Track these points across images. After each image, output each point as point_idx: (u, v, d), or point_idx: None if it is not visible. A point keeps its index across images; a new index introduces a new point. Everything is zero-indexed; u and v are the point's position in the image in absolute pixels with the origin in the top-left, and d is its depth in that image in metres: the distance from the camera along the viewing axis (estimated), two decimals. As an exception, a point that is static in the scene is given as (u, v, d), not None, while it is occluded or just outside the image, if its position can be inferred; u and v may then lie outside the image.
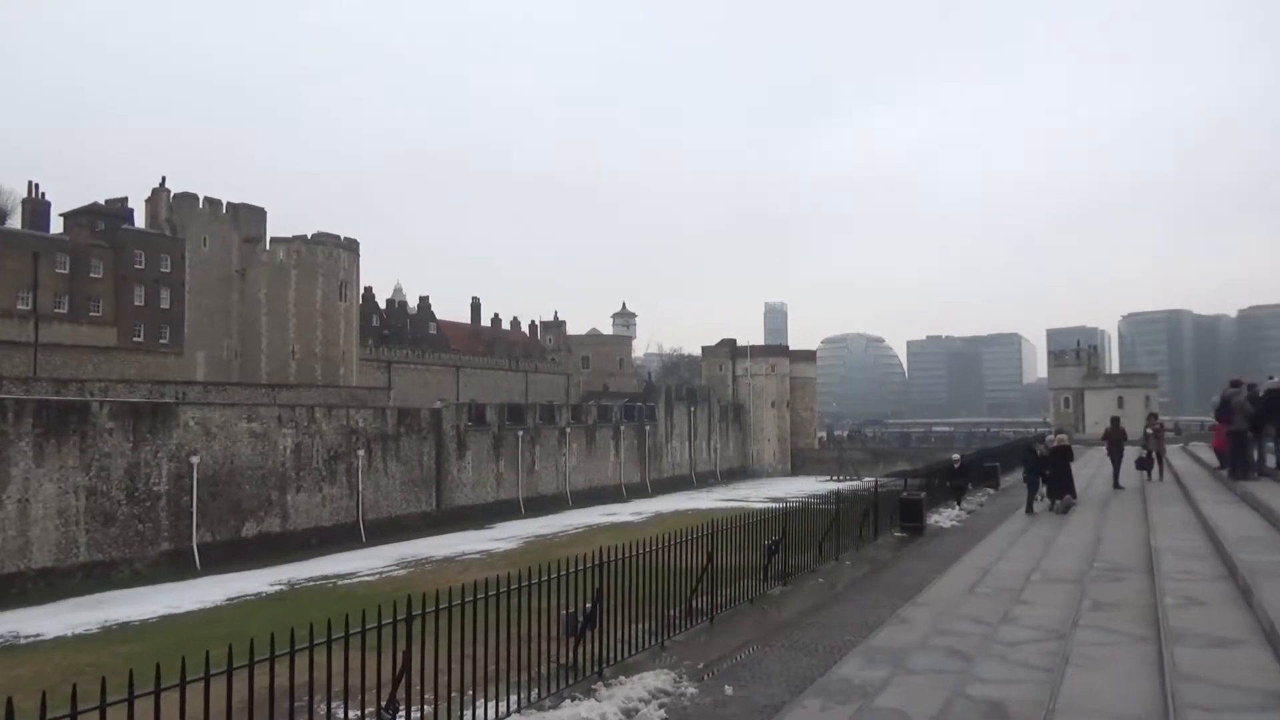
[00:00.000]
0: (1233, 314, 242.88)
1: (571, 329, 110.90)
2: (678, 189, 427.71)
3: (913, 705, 6.80)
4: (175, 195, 66.66)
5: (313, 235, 68.45)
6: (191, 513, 41.19)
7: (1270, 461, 17.56)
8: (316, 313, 67.43)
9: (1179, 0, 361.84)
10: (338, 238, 69.51)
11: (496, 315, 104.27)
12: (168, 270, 64.88)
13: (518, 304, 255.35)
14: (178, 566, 39.48)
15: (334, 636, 5.73)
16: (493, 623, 7.03)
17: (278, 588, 35.79)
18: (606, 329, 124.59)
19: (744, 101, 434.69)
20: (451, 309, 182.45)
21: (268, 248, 67.74)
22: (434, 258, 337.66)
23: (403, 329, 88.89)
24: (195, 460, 41.58)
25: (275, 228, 70.94)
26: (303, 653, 5.68)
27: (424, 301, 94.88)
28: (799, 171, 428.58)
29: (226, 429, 43.86)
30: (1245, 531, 12.37)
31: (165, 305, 64.51)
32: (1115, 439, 22.38)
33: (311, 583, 37.04)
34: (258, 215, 70.10)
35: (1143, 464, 22.85)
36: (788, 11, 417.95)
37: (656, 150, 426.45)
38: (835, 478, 78.59)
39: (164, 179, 66.81)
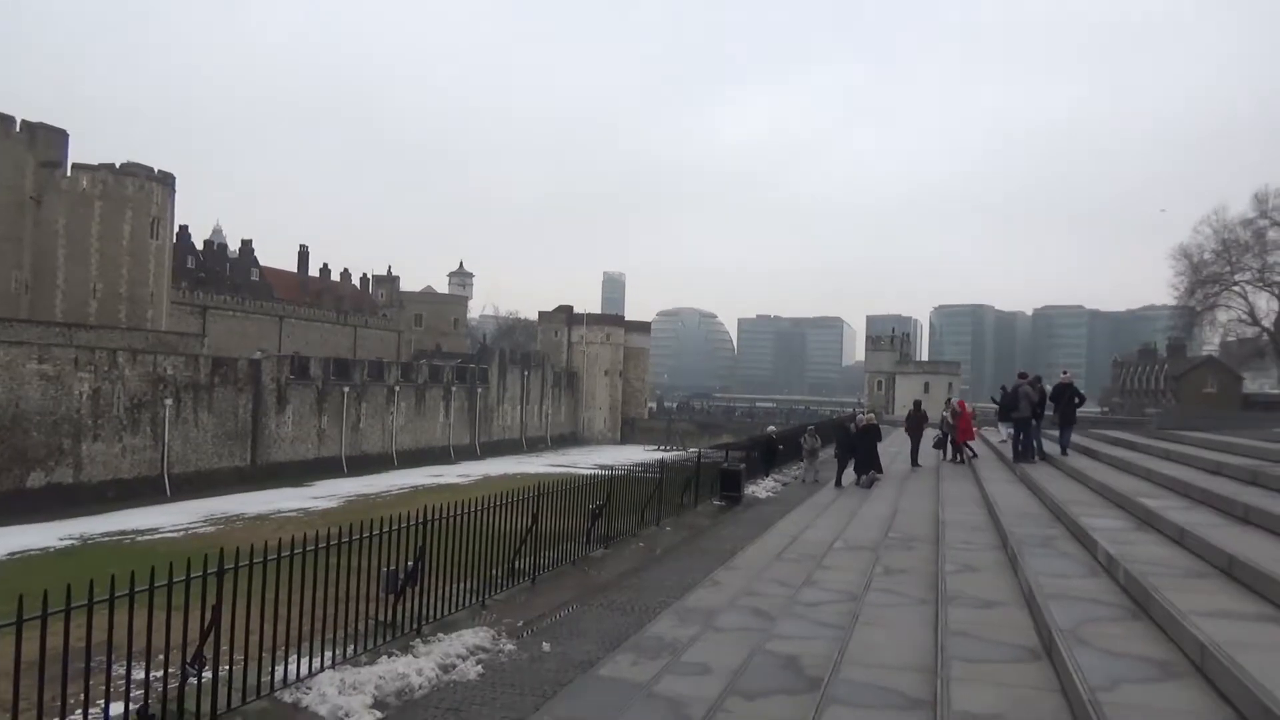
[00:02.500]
0: (1029, 311, 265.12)
1: (406, 285, 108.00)
2: (528, 151, 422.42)
3: (716, 659, 7.26)
4: (-43, 106, 59.65)
5: (122, 165, 63.10)
6: (-33, 460, 37.55)
7: (1050, 448, 19.45)
8: (123, 250, 62.34)
9: (1041, 15, 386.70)
10: (151, 169, 64.37)
11: (326, 265, 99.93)
12: (-54, 190, 58.25)
13: (349, 256, 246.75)
14: (-52, 518, 35.97)
15: (137, 590, 5.51)
16: (310, 580, 6.94)
17: (68, 543, 33.35)
18: (442, 287, 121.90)
19: (608, 72, 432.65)
20: (277, 256, 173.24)
21: (69, 174, 61.93)
22: (260, 201, 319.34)
23: (221, 274, 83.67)
24: (-26, 402, 37.85)
25: (82, 155, 65.01)
26: (100, 607, 5.43)
27: (246, 245, 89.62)
28: (656, 147, 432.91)
29: (12, 369, 40.14)
30: (1019, 508, 13.77)
31: (-58, 229, 57.95)
32: (915, 421, 24.12)
33: (107, 538, 34.72)
34: (58, 137, 63.85)
35: (939, 445, 24.78)
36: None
37: (509, 110, 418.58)
38: (663, 447, 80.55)
39: (-55, 87, 59.74)
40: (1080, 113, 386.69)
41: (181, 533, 35.74)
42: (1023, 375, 19.76)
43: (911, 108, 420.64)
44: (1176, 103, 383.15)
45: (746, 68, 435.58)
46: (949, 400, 29.70)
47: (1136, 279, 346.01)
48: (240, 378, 53.38)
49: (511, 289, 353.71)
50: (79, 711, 5.37)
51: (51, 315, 58.10)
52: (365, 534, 7.61)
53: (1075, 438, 20.28)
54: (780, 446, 24.17)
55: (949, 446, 24.25)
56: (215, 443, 51.21)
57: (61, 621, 5.12)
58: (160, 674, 6.21)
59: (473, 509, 9.39)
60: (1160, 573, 7.82)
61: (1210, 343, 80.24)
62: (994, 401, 29.42)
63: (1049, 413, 19.84)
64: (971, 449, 23.80)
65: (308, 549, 6.95)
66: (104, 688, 5.44)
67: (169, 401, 47.68)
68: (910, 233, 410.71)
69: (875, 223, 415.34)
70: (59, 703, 5.60)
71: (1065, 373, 19.79)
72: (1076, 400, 19.24)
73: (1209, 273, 58.44)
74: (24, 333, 46.81)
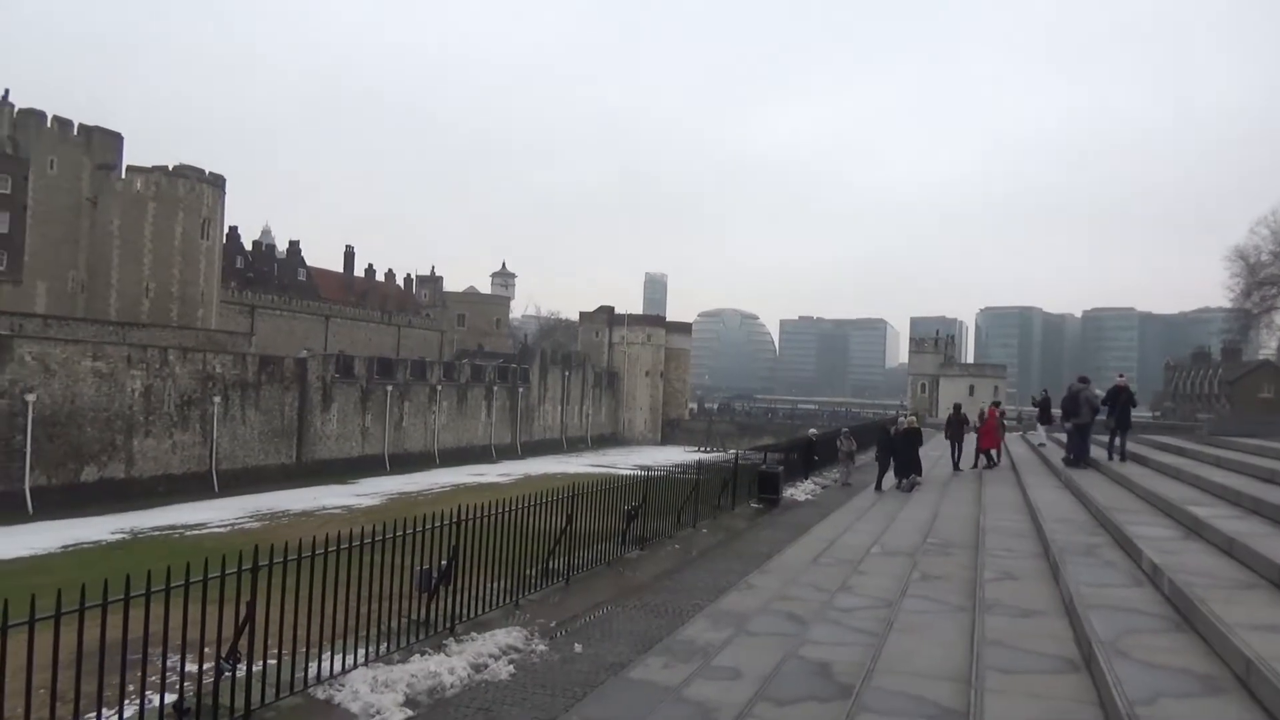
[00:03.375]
0: (1078, 313, 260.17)
1: (449, 285, 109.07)
2: (572, 152, 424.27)
3: (748, 664, 7.21)
4: (19, 111, 61.57)
5: (175, 167, 64.58)
6: (25, 453, 38.64)
7: (1096, 453, 19.03)
8: (175, 249, 63.82)
9: (1109, 16, 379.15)
10: (202, 171, 65.82)
11: (371, 266, 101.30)
12: (7, 192, 60.05)
13: (394, 256, 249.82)
14: (7, 510, 37.03)
15: (173, 585, 5.61)
16: (344, 578, 7.02)
17: (119, 536, 34.15)
18: (485, 287, 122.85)
19: (656, 74, 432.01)
20: (323, 256, 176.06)
21: (123, 176, 63.51)
22: (308, 202, 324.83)
23: (269, 273, 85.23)
24: (31, 398, 38.94)
25: (135, 158, 66.67)
26: (138, 601, 5.54)
27: (294, 246, 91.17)
28: (698, 148, 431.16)
29: (68, 366, 41.22)
30: (1063, 515, 13.50)
31: (3, 229, 59.76)
32: (956, 425, 23.80)
33: (157, 532, 35.49)
34: (113, 141, 65.58)
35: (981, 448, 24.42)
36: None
37: (556, 112, 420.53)
38: (702, 449, 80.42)
39: (6, 91, 61.62)
40: (1134, 109, 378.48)
41: (228, 528, 36.41)
42: (1083, 379, 19.36)
43: (961, 107, 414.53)
44: (1235, 96, 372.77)
45: (793, 67, 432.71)
46: (995, 403, 29.25)
47: (1190, 280, 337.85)
48: (287, 376, 54.26)
49: (553, 290, 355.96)
50: (120, 704, 5.49)
51: (106, 314, 59.64)
52: (399, 532, 7.68)
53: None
54: (817, 451, 23.97)
55: (975, 454, 23.85)
56: (262, 440, 52.10)
57: (100, 615, 5.23)
58: (196, 668, 6.31)
59: (508, 508, 9.44)
60: (1206, 583, 7.61)
61: (1267, 346, 78.06)
62: (1034, 404, 28.93)
63: (1100, 417, 19.45)
64: (991, 456, 23.32)
65: (342, 547, 7.03)
66: (140, 680, 5.54)
67: (217, 399, 48.64)
68: (956, 234, 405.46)
69: (920, 223, 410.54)
70: (101, 694, 5.73)
71: (1121, 376, 19.34)
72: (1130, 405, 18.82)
73: (1266, 274, 56.79)
74: (79, 331, 48.10)
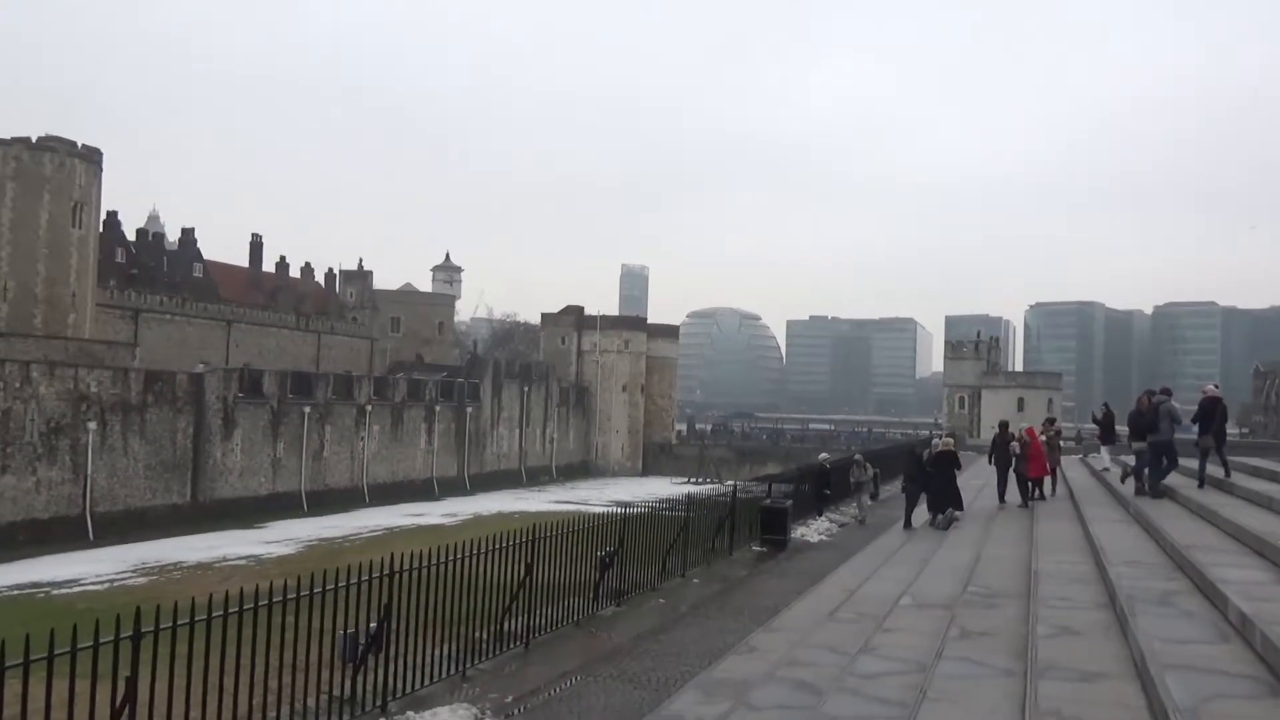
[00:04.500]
0: (1148, 309, 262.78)
1: (380, 282, 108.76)
2: (535, 127, 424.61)
3: (750, 745, 7.19)
4: None
5: (39, 139, 64.04)
6: None
7: (1201, 480, 19.09)
8: (39, 240, 63.18)
9: None
10: (73, 144, 65.25)
11: (283, 259, 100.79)
12: None
13: (312, 247, 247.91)
14: None
15: (34, 658, 5.53)
16: (250, 645, 6.94)
17: (-33, 597, 33.69)
18: (425, 285, 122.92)
19: (643, 39, 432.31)
20: (225, 248, 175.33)
21: (-27, 150, 62.88)
22: (205, 183, 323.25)
23: (157, 269, 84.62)
24: None
25: (-14, 125, 65.93)
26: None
27: (187, 235, 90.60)
28: (689, 125, 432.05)
29: (-95, 387, 40.72)
30: (1132, 555, 13.60)
31: None
32: (1003, 447, 23.96)
33: (17, 592, 35.05)
34: (-38, 106, 64.92)
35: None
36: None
37: (521, 82, 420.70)
38: (693, 479, 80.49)
39: None
40: (1208, 76, 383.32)
41: (106, 585, 36.05)
42: (1165, 390, 19.53)
43: (1004, 78, 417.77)
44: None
45: (811, 26, 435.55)
46: (1049, 420, 29.40)
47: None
48: (179, 396, 53.86)
49: (509, 286, 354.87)
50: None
51: (-48, 321, 58.99)
52: (319, 588, 7.62)
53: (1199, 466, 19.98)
54: (833, 481, 24.07)
55: (1023, 486, 23.98)
56: (148, 475, 51.63)
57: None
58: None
59: (453, 557, 9.39)
60: (1306, 637, 7.67)
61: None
62: (1095, 421, 29.14)
63: (1188, 435, 19.64)
64: (1043, 487, 23.45)
65: (247, 607, 6.96)
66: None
67: (93, 425, 48.17)
68: (1000, 219, 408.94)
69: (956, 207, 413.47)
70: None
71: (1214, 385, 19.52)
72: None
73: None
74: (-81, 342, 47.61)
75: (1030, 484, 23.35)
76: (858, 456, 26.07)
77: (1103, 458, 28.58)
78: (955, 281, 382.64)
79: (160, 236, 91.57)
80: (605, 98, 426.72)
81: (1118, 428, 27.53)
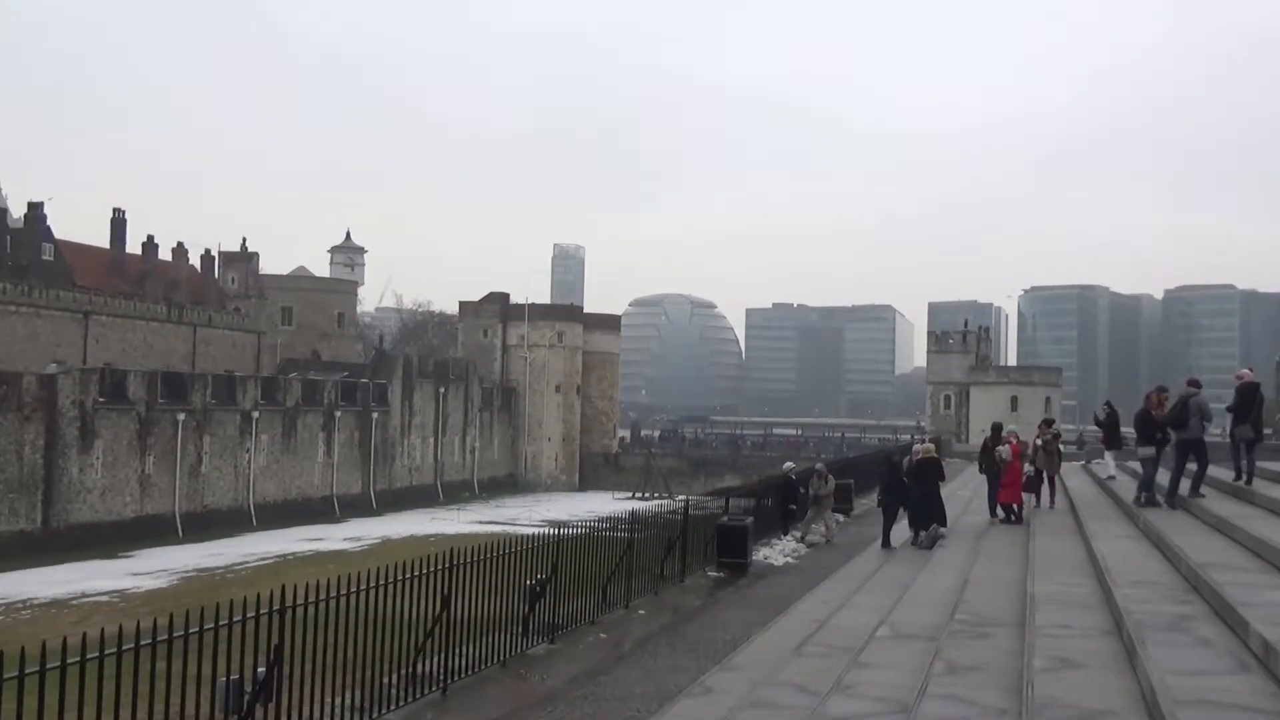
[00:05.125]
0: (1158, 294, 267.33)
1: (268, 265, 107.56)
2: (444, 76, 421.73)
3: (705, 802, 7.22)
4: None
5: None
6: None
7: (1238, 474, 19.42)
8: None
9: None
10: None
11: (151, 239, 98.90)
12: None
13: (186, 225, 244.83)
14: None
15: None
16: (113, 695, 6.83)
17: None
18: (322, 269, 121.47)
19: None
20: (81, 226, 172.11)
21: None
22: (53, 151, 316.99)
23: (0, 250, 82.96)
24: None
25: None
26: None
27: (35, 211, 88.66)
28: (631, 73, 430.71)
29: None
30: (1141, 575, 13.84)
31: None
32: (993, 452, 24.27)
33: None
34: None
35: (1029, 486, 24.95)
36: None
37: (414, 18, 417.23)
38: (639, 494, 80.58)
39: None
40: (1222, 24, 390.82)
41: (-60, 628, 35.28)
42: (1193, 382, 19.81)
43: (1004, 23, 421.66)
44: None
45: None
46: (1046, 421, 29.84)
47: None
48: (27, 401, 52.85)
49: (422, 271, 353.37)
50: None
51: None
52: (197, 627, 7.52)
53: (1213, 472, 20.35)
54: (799, 495, 24.22)
55: (1043, 487, 24.35)
56: (-10, 496, 50.68)
57: None
58: None
59: (356, 588, 9.33)
60: (1335, 666, 7.86)
61: None
62: (1097, 423, 29.62)
63: (1219, 431, 19.95)
64: (1015, 511, 23.72)
65: (109, 651, 6.84)
66: None
67: (-78, 437, 47.09)
68: (992, 191, 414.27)
69: (942, 177, 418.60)
70: None
71: (1250, 369, 19.82)
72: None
73: None
74: None
75: (1001, 506, 23.73)
76: (819, 466, 26.28)
77: (1107, 464, 29.08)
78: (940, 263, 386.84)
79: (3, 212, 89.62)
80: (531, 42, 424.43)
81: (1123, 429, 28.02)
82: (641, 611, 15.48)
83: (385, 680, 9.88)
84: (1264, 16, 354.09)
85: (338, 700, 9.20)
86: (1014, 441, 24.21)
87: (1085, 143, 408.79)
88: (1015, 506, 23.82)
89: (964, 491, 31.41)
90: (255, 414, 67.38)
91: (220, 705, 7.96)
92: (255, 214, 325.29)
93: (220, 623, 7.75)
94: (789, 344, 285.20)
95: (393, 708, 9.91)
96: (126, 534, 55.86)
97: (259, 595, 8.18)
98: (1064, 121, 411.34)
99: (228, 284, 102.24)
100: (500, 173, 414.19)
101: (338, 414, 75.19)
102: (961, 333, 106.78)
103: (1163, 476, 20.26)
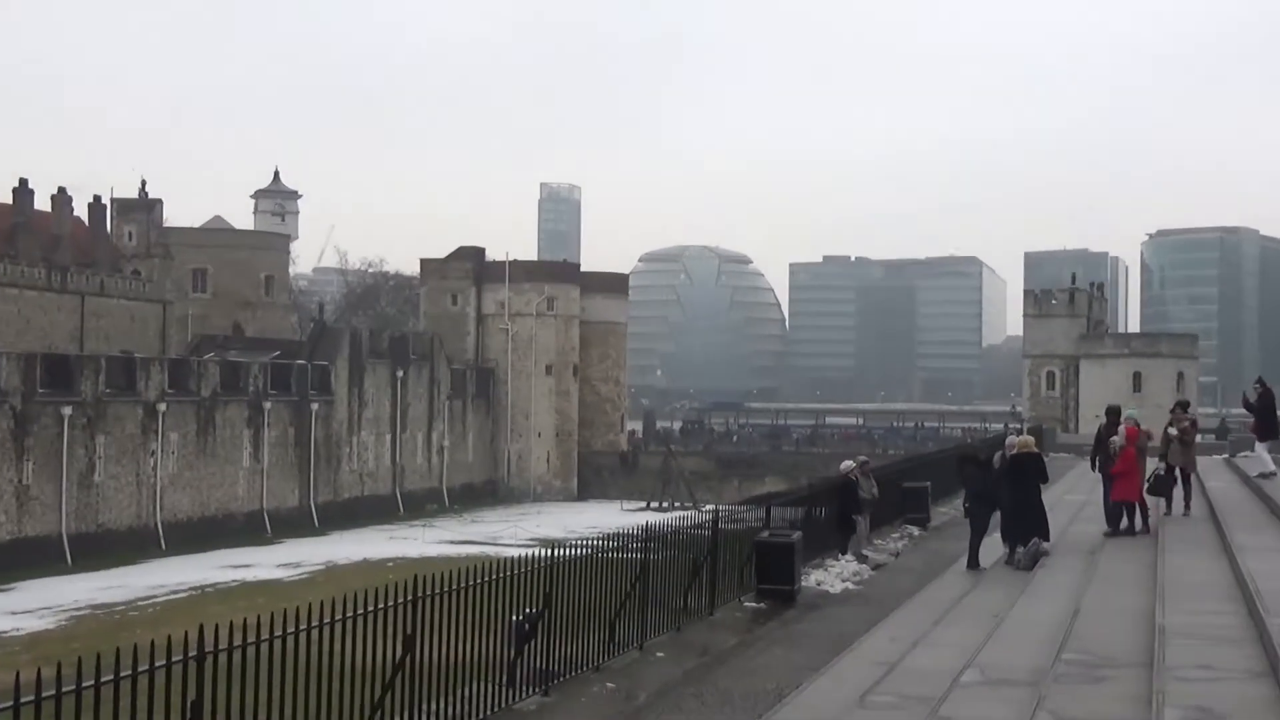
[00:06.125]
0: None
1: (175, 217, 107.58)
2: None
3: None
4: None
5: None
6: None
7: None
8: None
9: None
10: None
11: (25, 183, 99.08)
12: None
13: (69, 167, 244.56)
14: None
15: None
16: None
17: None
18: (244, 220, 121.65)
19: None
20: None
21: None
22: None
23: None
24: None
25: None
26: None
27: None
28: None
29: None
30: (1302, 600, 13.83)
31: None
32: (1108, 443, 24.18)
33: None
34: None
35: (1158, 487, 24.82)
36: None
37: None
38: (656, 504, 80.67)
39: None
40: None
41: None
42: None
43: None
44: None
45: None
46: (1181, 404, 29.67)
47: None
48: None
49: (371, 221, 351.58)
50: None
51: None
52: (91, 681, 7.56)
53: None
54: (861, 500, 24.16)
55: (1177, 488, 24.30)
56: None
57: None
58: None
59: (294, 628, 9.34)
60: None
61: None
62: (1247, 406, 29.48)
63: None
64: (1142, 518, 23.61)
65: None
66: None
67: None
68: (1107, 104, 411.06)
69: (1045, 88, 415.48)
70: None
71: None
72: None
73: None
74: None
75: (1120, 509, 23.61)
76: (862, 459, 26.26)
77: (1260, 458, 28.90)
78: (1039, 204, 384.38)
79: None
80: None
81: None
82: (660, 654, 15.46)
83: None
84: None
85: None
86: (1132, 427, 24.01)
87: (1230, 52, 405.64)
88: (1140, 512, 23.74)
89: (1073, 495, 31.36)
90: (162, 407, 67.25)
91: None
92: (158, 152, 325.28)
93: (122, 673, 7.77)
94: (846, 308, 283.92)
95: (343, 780, 9.97)
96: (0, 562, 55.95)
97: (170, 638, 8.19)
98: (1199, 27, 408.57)
99: (124, 240, 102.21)
100: (471, 97, 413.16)
101: (267, 405, 75.09)
102: (1068, 291, 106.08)
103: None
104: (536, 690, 12.96)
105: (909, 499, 29.22)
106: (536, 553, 13.84)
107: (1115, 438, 23.61)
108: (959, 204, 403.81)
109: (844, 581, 21.20)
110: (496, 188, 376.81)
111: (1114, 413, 25.52)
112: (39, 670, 7.31)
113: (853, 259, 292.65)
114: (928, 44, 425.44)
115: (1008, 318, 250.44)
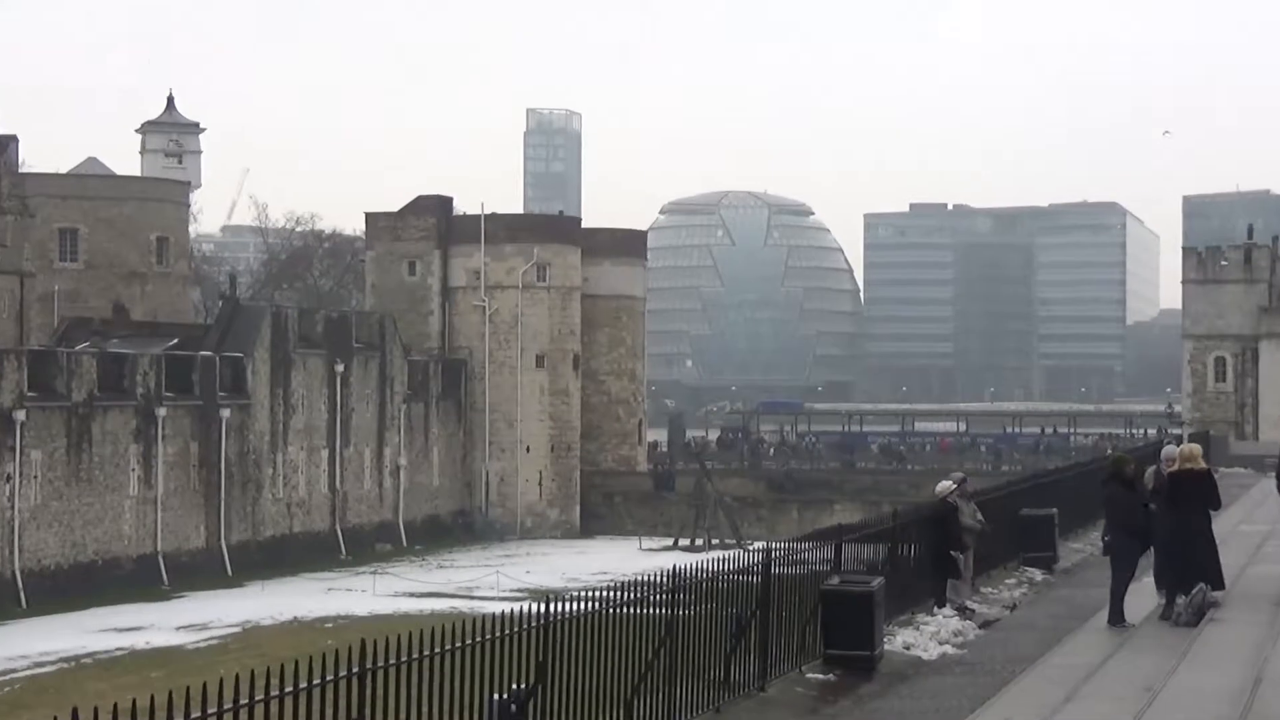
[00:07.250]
0: None
1: (35, 159, 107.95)
2: None
3: None
4: None
5: None
6: None
7: None
8: None
9: None
10: None
11: None
12: None
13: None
14: None
15: None
16: None
17: None
18: (128, 163, 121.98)
19: None
20: None
21: None
22: None
23: None
24: None
25: None
26: None
27: None
28: None
29: None
30: None
31: None
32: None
33: None
34: None
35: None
36: None
37: None
38: (684, 541, 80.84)
39: None
40: None
41: None
42: None
43: None
44: None
45: None
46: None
47: None
48: None
49: (299, 164, 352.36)
50: None
51: None
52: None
53: None
54: (961, 535, 24.19)
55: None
56: None
57: None
58: None
59: (195, 716, 9.36)
60: None
61: None
62: None
63: None
64: None
65: None
66: None
67: None
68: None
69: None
70: None
71: None
72: None
73: None
74: None
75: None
76: (960, 478, 26.11)
77: None
78: (1199, 136, 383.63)
79: None
80: None
81: None
82: (692, 750, 15.52)
83: None
84: None
85: None
86: None
87: None
88: None
89: (1251, 526, 31.37)
90: (19, 415, 67.43)
91: None
92: (8, 72, 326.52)
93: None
94: (941, 274, 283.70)
95: None
96: None
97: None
98: None
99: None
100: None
101: (161, 412, 75.19)
102: (1243, 248, 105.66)
103: None
104: (526, 801, 13.00)
105: (1029, 532, 29.20)
106: (526, 608, 13.84)
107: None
108: (1094, 132, 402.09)
109: (941, 644, 21.20)
110: (467, 115, 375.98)
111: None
112: None
113: (949, 207, 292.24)
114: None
115: (1161, 286, 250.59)
